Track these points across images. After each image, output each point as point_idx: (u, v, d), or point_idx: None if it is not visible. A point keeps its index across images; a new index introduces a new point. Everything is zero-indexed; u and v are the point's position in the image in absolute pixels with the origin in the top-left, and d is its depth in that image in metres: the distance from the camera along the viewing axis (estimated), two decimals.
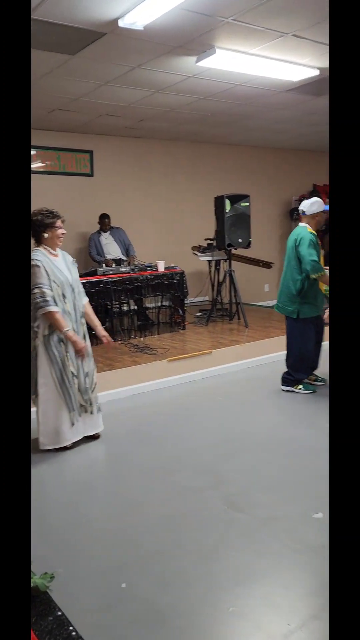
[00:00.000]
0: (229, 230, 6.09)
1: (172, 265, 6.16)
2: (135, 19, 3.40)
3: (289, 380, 4.35)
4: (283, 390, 4.36)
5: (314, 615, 1.84)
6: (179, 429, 3.67)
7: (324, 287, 4.32)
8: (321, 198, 9.48)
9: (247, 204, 6.23)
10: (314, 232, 4.13)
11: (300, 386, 4.32)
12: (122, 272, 5.69)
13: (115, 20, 3.44)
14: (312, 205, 4.14)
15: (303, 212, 4.18)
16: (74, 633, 1.22)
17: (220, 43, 3.93)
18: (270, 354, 5.27)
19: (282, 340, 4.47)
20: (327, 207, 4.24)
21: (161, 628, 1.82)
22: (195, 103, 5.59)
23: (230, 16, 3.44)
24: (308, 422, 3.63)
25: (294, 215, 8.60)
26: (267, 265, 7.59)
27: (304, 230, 4.10)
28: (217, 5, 3.28)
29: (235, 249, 6.29)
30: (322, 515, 2.46)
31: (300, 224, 4.21)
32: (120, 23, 3.45)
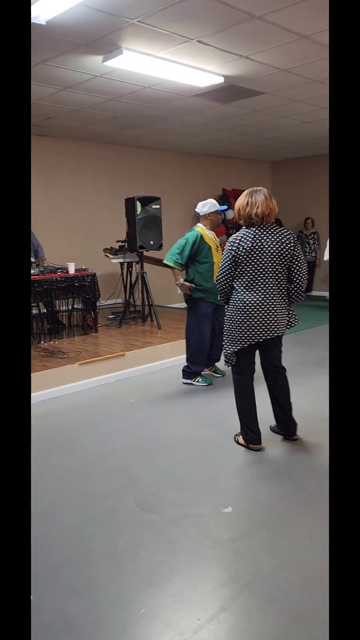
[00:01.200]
0: (141, 232, 6.10)
1: (83, 267, 6.06)
2: (37, 13, 3.30)
3: (188, 373, 4.62)
4: (183, 383, 4.64)
5: (222, 607, 1.88)
6: (91, 433, 3.60)
7: None
8: (230, 202, 9.76)
9: (158, 206, 6.28)
10: (204, 232, 4.37)
11: (199, 379, 4.58)
12: (31, 274, 5.50)
13: None
14: (204, 206, 4.41)
15: (198, 213, 4.46)
16: None
17: (127, 44, 3.93)
18: (183, 355, 5.33)
19: None
20: (220, 208, 4.46)
21: (70, 637, 1.77)
22: (104, 103, 5.54)
23: (135, 18, 3.44)
24: (217, 421, 3.72)
25: None
26: None
27: (194, 229, 4.41)
28: (121, 5, 3.27)
29: (147, 250, 6.31)
30: (231, 509, 2.52)
31: (198, 224, 4.48)
32: None
